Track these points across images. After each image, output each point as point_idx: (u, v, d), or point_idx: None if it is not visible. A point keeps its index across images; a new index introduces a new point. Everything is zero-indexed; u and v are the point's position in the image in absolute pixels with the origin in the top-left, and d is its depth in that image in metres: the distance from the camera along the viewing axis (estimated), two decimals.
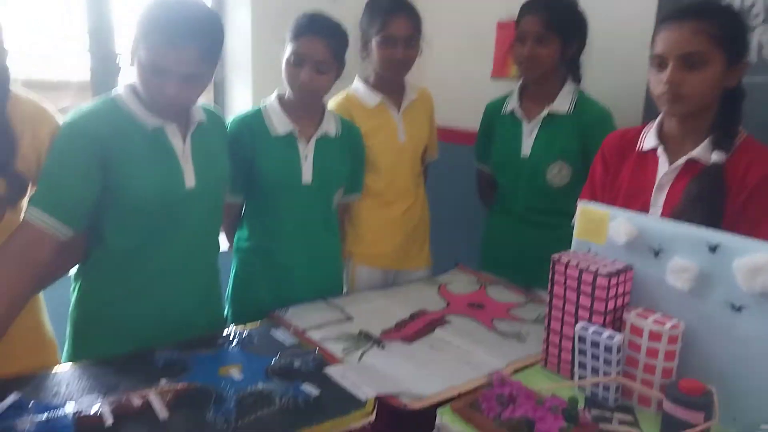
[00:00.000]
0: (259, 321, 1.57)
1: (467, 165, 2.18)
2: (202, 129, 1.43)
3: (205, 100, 1.47)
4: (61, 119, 1.32)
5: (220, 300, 1.64)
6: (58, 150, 1.25)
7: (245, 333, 1.44)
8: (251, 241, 1.74)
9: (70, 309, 1.43)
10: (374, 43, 1.85)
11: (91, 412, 1.09)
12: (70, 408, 1.09)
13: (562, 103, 1.85)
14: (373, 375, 1.30)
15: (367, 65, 1.92)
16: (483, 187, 2.19)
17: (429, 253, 2.11)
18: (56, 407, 1.10)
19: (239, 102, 2.32)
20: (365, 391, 1.22)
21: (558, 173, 1.84)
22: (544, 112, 1.86)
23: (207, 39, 1.26)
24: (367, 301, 1.75)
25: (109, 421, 1.08)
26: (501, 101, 2.01)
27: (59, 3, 2.12)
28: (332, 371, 1.30)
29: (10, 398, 1.12)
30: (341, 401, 1.19)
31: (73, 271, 1.44)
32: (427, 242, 2.11)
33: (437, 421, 1.14)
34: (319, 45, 1.57)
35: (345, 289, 1.98)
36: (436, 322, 1.60)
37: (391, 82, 1.93)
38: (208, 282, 1.55)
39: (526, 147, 1.89)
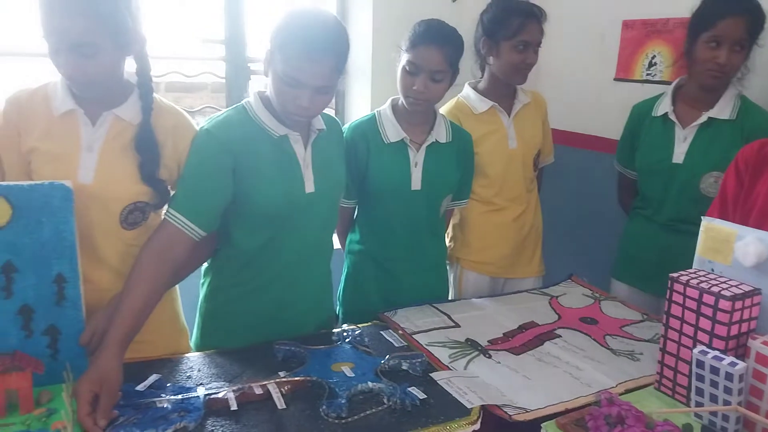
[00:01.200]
0: (370, 322, 1.63)
1: (586, 170, 2.13)
2: (322, 137, 1.50)
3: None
4: (198, 123, 1.44)
5: (332, 299, 1.71)
6: (195, 157, 1.37)
7: (357, 332, 1.50)
8: (362, 244, 1.81)
9: (200, 302, 1.56)
10: (505, 46, 1.85)
11: (219, 396, 1.20)
12: (200, 391, 1.21)
13: (724, 108, 1.76)
14: (478, 383, 1.32)
15: (476, 68, 1.93)
16: (624, 192, 2.12)
17: (540, 262, 2.08)
18: (189, 389, 1.22)
19: (359, 109, 2.41)
20: (471, 398, 1.24)
21: (714, 183, 1.75)
22: (703, 118, 1.78)
23: (339, 53, 1.33)
24: (475, 308, 1.76)
25: (233, 406, 1.18)
26: (650, 103, 1.93)
27: (200, 11, 2.31)
28: (439, 377, 1.33)
29: (151, 378, 1.26)
30: (447, 407, 1.22)
31: (203, 267, 1.57)
32: (538, 250, 2.08)
33: None
34: (435, 54, 1.59)
35: (451, 294, 2.00)
36: (546, 335, 1.59)
37: (502, 88, 1.93)
38: (322, 281, 1.63)
39: (679, 153, 1.82)
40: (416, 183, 1.71)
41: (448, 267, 1.99)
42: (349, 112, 2.51)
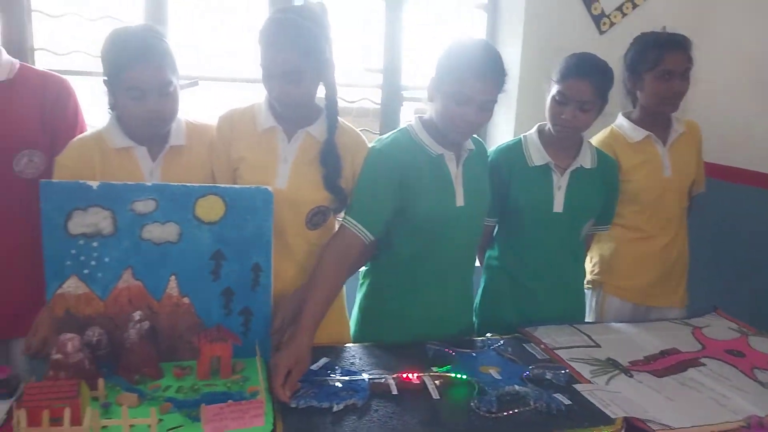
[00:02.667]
0: (509, 335, 1.72)
1: (737, 205, 2.09)
2: (471, 156, 1.65)
3: None
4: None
5: (472, 307, 1.83)
6: (368, 171, 1.57)
7: (501, 342, 1.61)
8: (500, 261, 1.91)
9: (359, 299, 1.75)
10: (648, 77, 1.90)
11: (382, 381, 1.36)
12: (365, 376, 1.38)
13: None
14: (621, 398, 1.37)
15: (627, 102, 1.97)
16: None
17: (685, 293, 2.07)
18: (355, 373, 1.39)
19: (502, 135, 2.53)
20: (614, 410, 1.30)
21: None
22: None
23: (500, 71, 1.50)
24: (615, 332, 1.80)
25: (394, 390, 1.33)
26: None
27: (362, 42, 2.55)
28: (582, 388, 1.40)
29: (322, 361, 1.45)
30: (591, 415, 1.29)
31: (362, 269, 1.76)
32: (684, 280, 2.07)
33: None
34: (585, 86, 1.67)
35: (590, 318, 2.04)
36: (690, 362, 1.60)
37: (657, 117, 1.96)
38: (466, 289, 1.76)
39: None
40: (558, 206, 1.79)
41: (589, 291, 2.03)
42: (492, 137, 2.63)
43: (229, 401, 1.16)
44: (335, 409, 1.25)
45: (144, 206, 1.37)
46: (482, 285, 1.97)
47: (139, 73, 1.38)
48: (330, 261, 1.46)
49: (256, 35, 1.42)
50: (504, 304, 1.88)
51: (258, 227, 1.42)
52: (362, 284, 1.74)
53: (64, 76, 1.68)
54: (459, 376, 1.40)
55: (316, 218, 1.56)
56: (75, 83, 1.70)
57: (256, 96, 1.56)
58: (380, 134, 2.38)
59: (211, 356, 1.34)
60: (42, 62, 2.20)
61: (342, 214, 1.56)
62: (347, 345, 1.60)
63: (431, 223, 1.60)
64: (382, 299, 1.69)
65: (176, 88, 1.45)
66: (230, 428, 1.14)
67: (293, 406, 1.25)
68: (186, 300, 1.41)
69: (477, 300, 1.97)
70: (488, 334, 1.66)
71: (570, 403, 1.31)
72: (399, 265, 1.65)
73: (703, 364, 1.59)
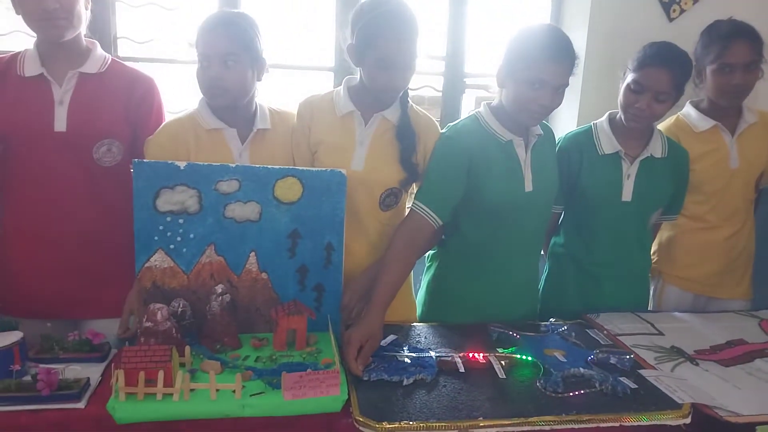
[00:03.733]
0: (571, 321, 1.74)
1: None
2: (539, 142, 1.67)
3: None
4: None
5: (537, 293, 1.86)
6: (438, 158, 1.61)
7: (564, 327, 1.63)
8: (566, 248, 1.92)
9: (426, 282, 1.80)
10: (709, 70, 1.87)
11: (449, 359, 1.41)
12: (432, 353, 1.43)
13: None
14: (687, 385, 1.38)
15: (699, 90, 1.94)
16: None
17: (750, 286, 2.04)
18: (422, 350, 1.44)
19: (566, 123, 2.51)
20: (681, 396, 1.32)
21: None
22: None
23: (572, 55, 1.52)
24: (678, 321, 1.80)
25: (461, 368, 1.38)
26: None
27: (426, 28, 2.58)
28: (647, 373, 1.42)
29: (390, 337, 1.50)
30: (657, 399, 1.31)
31: (429, 253, 1.80)
32: (748, 273, 2.04)
33: None
34: (663, 77, 1.66)
35: (650, 307, 2.03)
36: (758, 353, 1.58)
37: (725, 108, 1.93)
38: (532, 274, 1.79)
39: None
40: (627, 194, 1.79)
41: (650, 280, 2.03)
42: (555, 125, 2.62)
43: (309, 370, 1.23)
44: (405, 383, 1.31)
45: (228, 186, 1.45)
46: (546, 271, 1.99)
47: (209, 40, 1.48)
48: (400, 244, 1.51)
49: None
50: (568, 291, 1.90)
51: (332, 208, 1.48)
52: (429, 267, 1.79)
53: (149, 70, 1.77)
54: (524, 357, 1.44)
55: (389, 200, 1.61)
56: (152, 70, 1.79)
57: (317, 84, 1.64)
58: (441, 121, 2.43)
59: (287, 329, 1.41)
60: (123, 50, 2.32)
61: (413, 199, 1.60)
62: (414, 324, 1.65)
63: (499, 208, 1.63)
64: (448, 282, 1.74)
65: (243, 65, 1.51)
66: (308, 396, 1.21)
67: (365, 379, 1.31)
68: (264, 276, 1.49)
69: (540, 286, 1.99)
70: (551, 319, 1.68)
71: (636, 387, 1.33)
72: (466, 249, 1.69)
73: None
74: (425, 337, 1.56)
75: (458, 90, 2.57)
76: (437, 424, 1.17)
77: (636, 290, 1.92)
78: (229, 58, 1.47)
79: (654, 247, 2.05)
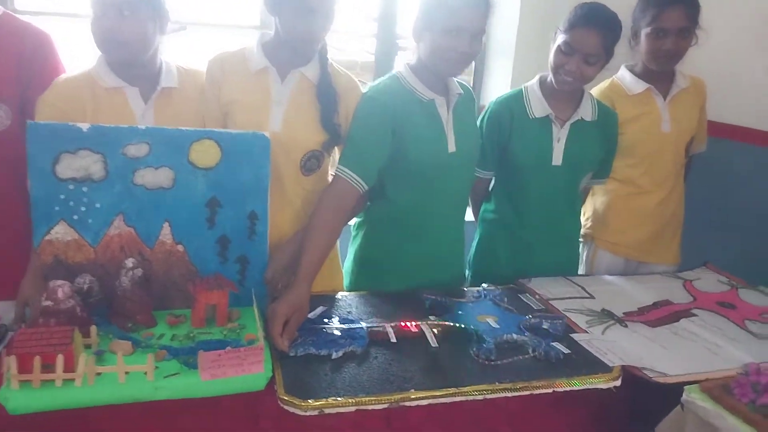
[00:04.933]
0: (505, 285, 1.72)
1: (737, 163, 2.07)
2: (460, 103, 1.63)
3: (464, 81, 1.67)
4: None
5: (464, 256, 1.82)
6: (361, 118, 1.53)
7: (497, 292, 1.60)
8: (496, 214, 1.89)
9: (353, 250, 1.73)
10: (643, 33, 1.86)
11: (380, 329, 1.35)
12: (363, 324, 1.36)
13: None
14: (618, 347, 1.38)
15: (635, 54, 1.94)
16: None
17: (678, 250, 2.08)
18: (353, 321, 1.38)
19: (498, 86, 2.48)
20: (611, 358, 1.31)
21: None
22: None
23: (489, 2, 1.50)
24: (608, 284, 1.81)
25: (393, 338, 1.33)
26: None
27: None
28: (579, 337, 1.41)
29: (319, 309, 1.43)
30: (589, 363, 1.30)
31: (356, 220, 1.73)
32: (677, 238, 2.07)
33: (684, 397, 1.19)
34: (593, 38, 1.63)
35: (581, 271, 2.05)
36: (682, 313, 1.61)
37: (658, 72, 1.93)
38: (457, 238, 1.75)
39: None
40: (557, 158, 1.77)
41: (581, 244, 2.03)
42: (487, 89, 2.58)
43: (228, 347, 1.15)
44: (334, 356, 1.24)
45: (136, 150, 1.32)
46: (477, 238, 1.96)
47: None
48: (326, 211, 1.43)
49: None
50: (499, 257, 1.88)
51: (254, 174, 1.38)
52: (355, 236, 1.72)
53: (46, 24, 1.59)
54: (457, 324, 1.40)
55: (310, 163, 1.52)
56: (54, 25, 1.61)
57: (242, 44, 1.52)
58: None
59: (206, 304, 1.31)
60: (21, 2, 2.09)
61: (337, 163, 1.52)
62: (343, 294, 1.58)
63: (424, 170, 1.58)
64: (375, 249, 1.68)
65: (142, 15, 1.37)
66: (228, 375, 1.13)
67: (292, 354, 1.24)
68: (180, 247, 1.38)
69: (471, 253, 1.97)
70: (484, 285, 1.66)
71: (569, 351, 1.32)
72: (392, 215, 1.63)
73: (695, 315, 1.61)
74: (356, 307, 1.50)
75: (391, 52, 2.48)
76: (366, 399, 1.12)
77: (567, 255, 1.92)
78: (125, 8, 1.33)
79: (588, 213, 2.06)
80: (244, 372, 1.14)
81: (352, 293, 1.59)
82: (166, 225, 1.36)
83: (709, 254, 2.03)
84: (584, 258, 2.03)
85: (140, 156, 1.32)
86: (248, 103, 1.47)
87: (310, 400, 1.10)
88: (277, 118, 1.47)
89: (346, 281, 1.73)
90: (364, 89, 1.59)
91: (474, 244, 1.97)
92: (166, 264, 1.38)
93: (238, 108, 1.47)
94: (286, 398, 1.10)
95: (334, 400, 1.11)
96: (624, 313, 1.59)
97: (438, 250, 1.68)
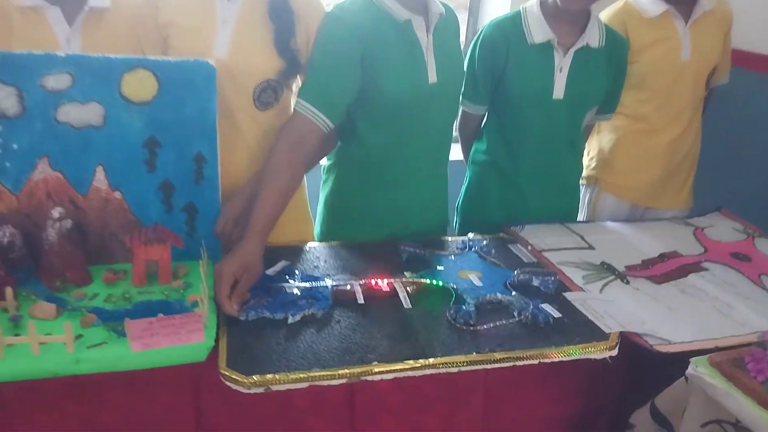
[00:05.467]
0: (493, 234, 1.55)
1: (760, 97, 1.85)
2: (441, 25, 1.41)
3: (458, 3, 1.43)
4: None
5: (447, 202, 1.63)
6: (325, 42, 1.31)
7: (484, 242, 1.43)
8: (489, 155, 1.70)
9: (324, 196, 1.55)
10: None
11: (347, 288, 1.19)
12: (328, 282, 1.20)
13: None
14: (616, 308, 1.22)
15: None
16: None
17: (690, 194, 1.88)
18: (317, 278, 1.22)
19: (496, 7, 2.22)
20: (609, 323, 1.15)
21: None
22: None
23: None
24: (610, 232, 1.64)
25: (360, 299, 1.17)
26: None
27: None
28: (573, 297, 1.25)
29: (280, 264, 1.27)
30: (582, 328, 1.14)
31: (326, 163, 1.55)
32: (690, 180, 1.87)
33: (689, 370, 1.03)
34: None
35: (582, 216, 1.87)
36: (691, 267, 1.44)
37: None
38: (441, 182, 1.57)
39: None
40: (559, 91, 1.56)
41: (583, 187, 1.84)
42: (485, 11, 2.32)
43: (160, 315, 0.99)
44: (290, 321, 1.09)
45: (57, 81, 1.12)
46: (467, 181, 1.77)
47: None
48: (282, 153, 1.23)
49: None
50: (490, 202, 1.70)
51: (199, 109, 1.18)
52: (326, 180, 1.54)
53: None
54: (435, 282, 1.24)
55: (266, 96, 1.32)
56: None
57: None
58: None
59: (146, 260, 1.15)
60: None
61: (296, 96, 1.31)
62: (311, 245, 1.42)
63: (400, 104, 1.37)
64: (347, 195, 1.50)
65: None
66: (162, 345, 0.97)
67: (242, 318, 1.08)
68: (117, 194, 1.20)
69: (460, 198, 1.79)
70: (470, 235, 1.48)
71: (560, 315, 1.16)
72: (365, 157, 1.44)
73: (706, 269, 1.44)
74: (324, 261, 1.33)
75: None
76: (321, 374, 0.97)
77: (564, 200, 1.74)
78: None
79: (591, 152, 1.86)
80: (181, 341, 0.98)
81: (322, 244, 1.42)
82: (99, 169, 1.18)
83: (723, 199, 1.84)
84: (585, 202, 1.85)
85: (62, 89, 1.12)
86: (190, 25, 1.25)
87: (255, 376, 0.95)
88: (223, 42, 1.25)
89: (316, 230, 1.56)
90: (330, 8, 1.36)
91: (463, 188, 1.78)
92: (103, 213, 1.21)
93: (178, 31, 1.25)
94: (227, 373, 0.95)
95: (282, 375, 0.95)
96: (626, 267, 1.42)
97: (417, 196, 1.49)
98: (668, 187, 1.81)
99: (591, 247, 1.51)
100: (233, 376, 0.95)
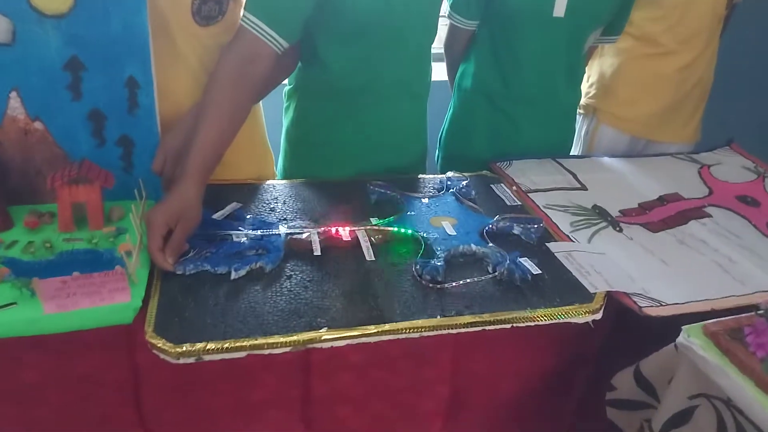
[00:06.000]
0: (477, 172, 1.40)
1: None
2: None
3: None
4: None
5: (426, 133, 1.46)
6: None
7: (463, 182, 1.28)
8: (477, 79, 1.51)
9: (286, 126, 1.38)
10: None
11: (303, 237, 1.05)
12: (282, 229, 1.07)
13: None
14: (605, 263, 1.09)
15: None
16: None
17: (699, 126, 1.70)
18: (270, 225, 1.08)
19: None
20: (594, 281, 1.03)
21: None
22: None
23: None
24: (606, 170, 1.49)
25: (317, 250, 1.03)
26: None
27: None
28: (557, 248, 1.11)
29: (230, 207, 1.13)
30: (564, 287, 1.01)
31: (287, 89, 1.37)
32: (699, 112, 1.68)
33: (680, 339, 0.92)
34: None
35: (578, 149, 1.71)
36: (692, 212, 1.30)
37: None
38: (414, 112, 1.39)
39: None
40: (560, 8, 1.36)
41: (580, 117, 1.67)
42: None
43: (75, 273, 0.86)
44: (234, 276, 0.96)
45: None
46: (451, 109, 1.60)
47: None
48: (225, 80, 1.04)
49: None
50: (477, 134, 1.54)
51: (126, 24, 1.00)
52: (287, 107, 1.37)
53: None
54: (402, 230, 1.10)
55: (207, 8, 1.11)
56: None
57: None
58: None
59: (72, 202, 1.01)
60: None
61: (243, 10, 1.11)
62: (268, 183, 1.27)
63: (366, 20, 1.18)
64: (311, 125, 1.33)
65: None
66: (82, 306, 0.85)
67: (179, 272, 0.96)
68: (38, 125, 1.04)
69: (444, 129, 1.62)
70: (449, 173, 1.33)
71: (539, 272, 1.03)
72: (330, 82, 1.26)
73: (709, 215, 1.30)
74: (282, 203, 1.19)
75: None
76: (259, 343, 0.85)
77: (560, 133, 1.58)
78: None
79: (592, 78, 1.67)
80: (103, 302, 0.86)
81: (281, 183, 1.27)
82: (13, 95, 1.02)
83: (735, 131, 1.67)
84: (582, 134, 1.68)
85: None
86: None
87: (185, 345, 0.83)
88: None
89: (279, 165, 1.41)
90: None
91: (447, 117, 1.61)
92: (23, 146, 1.05)
93: None
94: (153, 341, 0.84)
95: (216, 344, 0.84)
96: (621, 212, 1.28)
97: (389, 128, 1.33)
98: (674, 119, 1.63)
99: (583, 188, 1.37)
100: (160, 345, 0.83)
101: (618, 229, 1.22)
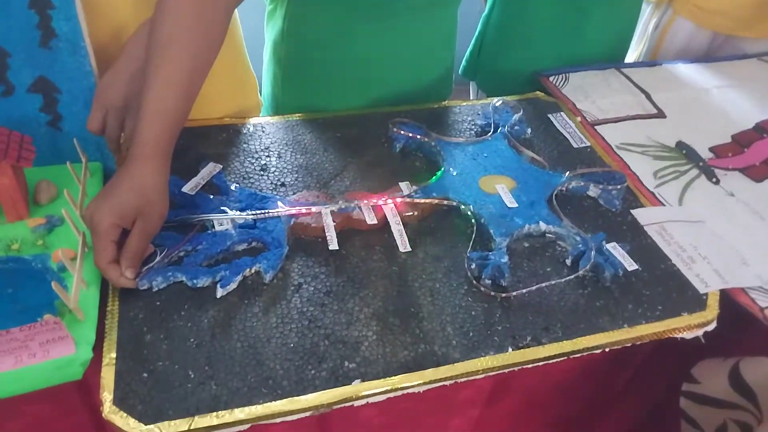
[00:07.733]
0: (523, 94, 1.08)
1: None
2: None
3: None
4: None
5: (453, 47, 1.10)
6: None
7: (515, 117, 0.96)
8: None
9: (273, 39, 1.01)
10: None
11: (312, 222, 0.76)
12: (280, 206, 0.77)
13: None
14: (706, 237, 0.82)
15: None
16: None
17: None
18: (265, 199, 0.78)
19: None
20: (704, 274, 0.77)
21: None
22: None
23: None
24: (684, 84, 1.15)
25: (333, 243, 0.75)
26: None
27: None
28: (646, 218, 0.84)
29: (207, 170, 0.82)
30: (664, 285, 0.75)
31: None
32: None
33: None
34: None
35: (640, 46, 1.35)
36: None
37: None
38: (448, 23, 1.03)
39: None
40: None
41: (650, 6, 1.30)
42: None
43: None
44: (221, 293, 0.68)
45: None
46: (485, 15, 1.21)
47: None
48: (186, 8, 0.67)
49: None
50: (516, 45, 1.17)
51: None
52: (271, 12, 0.98)
53: None
54: (447, 201, 0.81)
55: None
56: None
57: None
58: None
59: None
60: None
61: None
62: (255, 123, 0.93)
63: None
64: (308, 39, 0.96)
65: None
66: (7, 368, 0.58)
67: (143, 288, 0.68)
68: None
69: (474, 42, 1.24)
70: (494, 102, 1.00)
71: (636, 267, 0.76)
72: None
73: None
74: (276, 156, 0.88)
75: None
76: (270, 413, 0.59)
77: (623, 27, 1.22)
78: None
79: None
80: (33, 359, 0.59)
81: (272, 122, 0.94)
82: None
83: None
84: (649, 29, 1.31)
85: None
86: None
87: (161, 424, 0.58)
88: None
89: (265, 91, 1.06)
90: None
91: (479, 26, 1.23)
92: None
93: None
94: (112, 419, 0.57)
95: (204, 417, 0.58)
96: (712, 150, 1.00)
97: (414, 39, 0.97)
98: (764, 12, 1.26)
99: (661, 114, 1.06)
100: (123, 426, 0.57)
101: (714, 180, 0.94)
